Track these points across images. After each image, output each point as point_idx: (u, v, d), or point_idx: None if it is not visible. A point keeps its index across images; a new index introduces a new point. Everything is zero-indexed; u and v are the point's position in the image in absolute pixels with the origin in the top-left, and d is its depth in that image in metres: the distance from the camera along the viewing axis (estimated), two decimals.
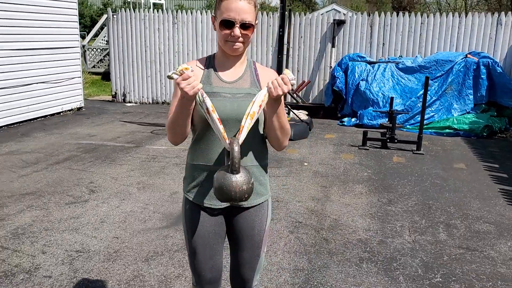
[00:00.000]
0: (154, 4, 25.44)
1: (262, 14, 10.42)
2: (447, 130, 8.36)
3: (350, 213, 4.60)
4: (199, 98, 1.84)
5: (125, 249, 3.71)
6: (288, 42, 10.28)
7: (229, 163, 1.82)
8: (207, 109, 1.84)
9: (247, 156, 2.04)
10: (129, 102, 11.30)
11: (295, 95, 10.30)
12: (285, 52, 10.27)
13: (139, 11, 10.85)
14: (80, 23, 32.40)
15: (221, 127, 1.86)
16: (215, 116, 1.85)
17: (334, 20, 9.95)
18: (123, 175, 5.58)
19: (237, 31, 1.90)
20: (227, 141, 1.86)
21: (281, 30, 7.39)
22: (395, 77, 9.13)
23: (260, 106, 1.88)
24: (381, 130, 8.11)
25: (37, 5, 8.39)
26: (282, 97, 1.90)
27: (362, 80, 9.24)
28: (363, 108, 9.14)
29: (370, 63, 9.48)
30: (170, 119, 1.96)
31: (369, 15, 10.01)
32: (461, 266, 3.59)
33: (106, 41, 18.65)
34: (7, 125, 8.08)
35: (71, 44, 9.52)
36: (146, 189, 5.11)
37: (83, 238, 3.87)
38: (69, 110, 9.72)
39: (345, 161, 6.47)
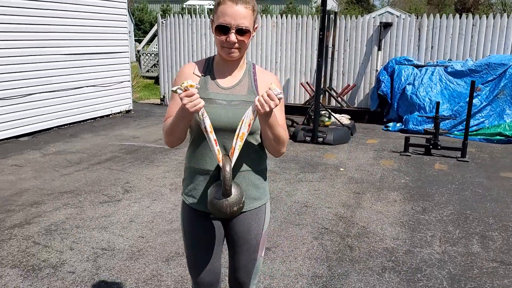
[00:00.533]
0: (211, 9, 25.96)
1: (307, 16, 10.37)
2: (498, 137, 7.95)
3: (380, 220, 4.47)
4: (198, 116, 1.85)
5: (148, 248, 3.79)
6: (333, 45, 10.16)
7: (222, 184, 1.86)
8: (205, 128, 1.86)
9: (243, 161, 2.03)
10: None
11: (339, 98, 10.16)
12: (329, 56, 10.18)
13: (190, 16, 11.08)
14: (139, 29, 33.59)
15: (216, 148, 1.87)
16: (212, 136, 1.87)
17: (380, 22, 9.74)
18: (158, 176, 5.72)
19: (232, 36, 1.88)
20: (220, 163, 1.87)
21: (321, 33, 7.31)
22: (443, 81, 8.80)
23: (249, 125, 1.87)
24: (427, 136, 7.82)
25: (88, 11, 8.77)
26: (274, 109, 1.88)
27: (408, 84, 8.97)
28: (409, 113, 8.87)
29: (417, 66, 9.19)
30: (168, 125, 1.97)
31: (418, 17, 9.71)
32: (492, 280, 3.40)
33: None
34: (58, 126, 8.49)
35: (121, 49, 9.87)
36: (178, 190, 5.20)
37: (110, 237, 4.00)
38: (118, 113, 10.08)
39: (384, 167, 6.30)
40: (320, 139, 7.61)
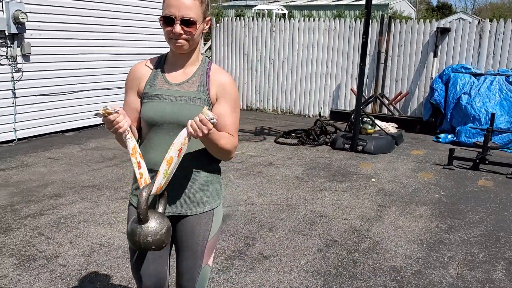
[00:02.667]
0: (284, 14, 26.08)
1: (361, 20, 10.01)
2: None
3: (397, 236, 4.15)
4: (123, 138, 1.79)
5: None
6: (386, 51, 9.75)
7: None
8: (129, 150, 1.79)
9: (189, 162, 1.92)
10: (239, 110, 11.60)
11: (391, 106, 9.72)
12: (382, 61, 9.78)
13: (244, 20, 11.11)
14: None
15: (138, 171, 1.79)
16: (134, 159, 1.79)
17: (437, 28, 9.19)
18: None
19: (177, 28, 1.80)
20: (141, 186, 1.76)
21: (364, 37, 6.99)
22: (504, 91, 8.13)
23: (180, 150, 1.75)
24: (479, 150, 7.25)
25: (139, 13, 9.00)
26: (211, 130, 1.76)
27: (464, 93, 8.39)
28: (462, 124, 8.28)
29: (475, 75, 8.56)
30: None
31: (479, 23, 9.06)
32: None
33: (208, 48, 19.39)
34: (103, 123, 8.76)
35: (165, 51, 10.03)
36: None
37: (112, 233, 4.01)
38: None
39: (420, 180, 5.89)
40: (360, 148, 7.28)
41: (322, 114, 10.63)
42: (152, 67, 1.98)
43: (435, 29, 9.27)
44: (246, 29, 11.11)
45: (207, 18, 1.92)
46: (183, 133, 1.74)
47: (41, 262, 3.46)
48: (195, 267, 2.04)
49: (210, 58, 17.11)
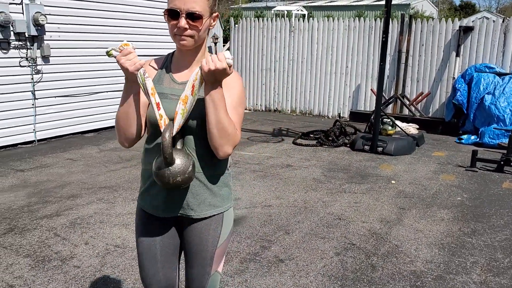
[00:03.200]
0: (304, 15, 25.96)
1: (381, 20, 9.85)
2: None
3: (417, 240, 4.03)
4: (141, 76, 1.72)
5: None
6: (407, 51, 9.57)
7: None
8: (147, 90, 1.73)
9: (198, 163, 1.86)
10: (244, 109, 11.56)
11: (412, 107, 9.54)
12: (403, 61, 9.61)
13: (262, 20, 11.05)
14: None
15: (157, 112, 1.73)
16: (153, 100, 1.73)
17: (460, 27, 8.99)
18: None
19: (182, 21, 1.72)
20: (162, 128, 1.73)
21: (384, 36, 6.86)
22: None
23: (193, 86, 1.70)
24: (504, 152, 7.05)
25: (155, 13, 9.02)
26: (220, 88, 1.69)
27: (487, 93, 8.17)
28: (486, 125, 8.07)
29: (499, 74, 8.34)
30: (116, 115, 1.87)
31: (503, 21, 8.83)
32: None
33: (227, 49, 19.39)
34: None
35: None
36: None
37: (128, 234, 3.98)
38: None
39: (442, 183, 5.74)
40: (380, 149, 7.14)
41: (341, 115, 10.50)
42: (156, 67, 1.92)
43: (457, 28, 9.06)
44: (265, 30, 11.05)
45: (214, 14, 1.84)
46: (196, 70, 1.70)
47: (55, 263, 3.45)
48: (204, 274, 1.97)
49: None
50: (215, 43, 20.49)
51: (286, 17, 25.41)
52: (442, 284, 3.30)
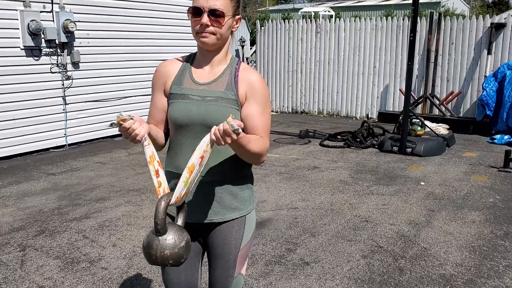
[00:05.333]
0: (331, 16, 25.83)
1: (409, 19, 9.69)
2: None
3: (447, 243, 3.93)
4: (141, 144, 1.72)
5: None
6: (437, 49, 9.39)
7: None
8: (146, 158, 1.72)
9: (219, 167, 1.86)
10: (271, 111, 11.56)
11: (442, 107, 9.34)
12: (432, 60, 9.43)
13: (288, 22, 11.04)
14: None
15: (156, 180, 1.70)
16: (152, 168, 1.70)
17: (491, 24, 8.76)
18: None
19: (205, 18, 1.74)
20: (159, 196, 1.67)
21: (411, 35, 6.74)
22: None
23: (202, 157, 1.64)
24: None
25: (182, 18, 9.11)
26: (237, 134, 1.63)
27: None
28: None
29: None
30: None
31: None
32: None
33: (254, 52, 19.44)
34: None
35: None
36: None
37: None
38: None
39: (473, 184, 5.60)
40: (409, 150, 7.02)
41: (369, 116, 10.38)
42: (178, 66, 1.92)
43: (488, 25, 8.83)
44: (291, 32, 11.02)
45: (237, 16, 1.85)
46: (206, 139, 1.64)
47: (84, 265, 3.51)
48: (227, 277, 1.97)
49: (254, 61, 17.13)
50: (242, 46, 20.56)
51: (313, 18, 25.36)
52: None
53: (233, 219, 1.92)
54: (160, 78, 1.93)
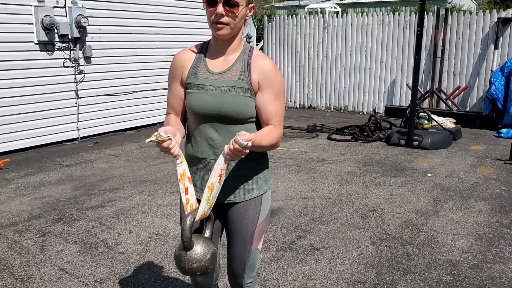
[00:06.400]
0: (337, 12, 25.85)
1: (416, 14, 9.75)
2: None
3: (454, 231, 4.03)
4: (175, 161, 1.84)
5: None
6: (443, 44, 9.45)
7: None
8: (177, 175, 1.85)
9: None
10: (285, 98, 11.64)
11: (448, 101, 9.41)
12: (438, 55, 9.49)
13: (295, 17, 11.12)
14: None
15: (184, 197, 1.83)
16: (182, 185, 1.83)
17: (498, 18, 8.81)
18: None
19: (220, 8, 1.81)
20: (186, 213, 1.81)
21: (419, 29, 6.82)
22: None
23: (220, 175, 1.77)
24: None
25: (193, 14, 9.23)
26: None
27: None
28: None
29: None
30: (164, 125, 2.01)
31: None
32: None
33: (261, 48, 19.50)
34: (162, 122, 9.06)
35: None
36: None
37: (168, 224, 4.15)
38: None
39: (479, 175, 5.68)
40: (416, 143, 7.10)
41: (376, 111, 10.46)
42: (193, 55, 1.99)
43: (495, 20, 8.89)
44: (298, 27, 11.11)
45: (251, 5, 1.91)
46: (221, 160, 1.75)
47: (102, 250, 3.64)
48: (245, 251, 2.08)
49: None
50: (249, 42, 20.65)
51: (320, 14, 25.40)
52: (478, 273, 3.31)
53: (250, 199, 2.04)
54: (176, 68, 2.01)
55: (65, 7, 7.02)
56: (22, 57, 6.63)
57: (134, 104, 8.39)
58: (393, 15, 10.09)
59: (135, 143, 7.45)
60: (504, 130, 8.13)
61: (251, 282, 2.16)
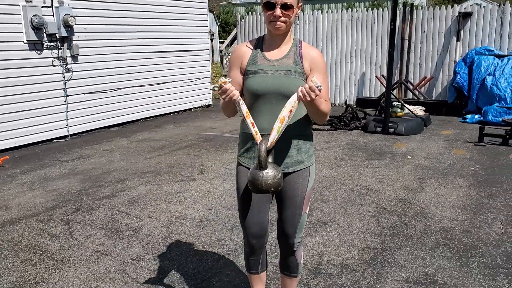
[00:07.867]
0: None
1: (383, 9, 10.33)
2: None
3: (441, 203, 4.52)
4: (237, 105, 2.18)
5: (215, 219, 4.19)
6: (410, 37, 10.06)
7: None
8: (243, 114, 2.18)
9: (292, 126, 2.32)
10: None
11: (416, 91, 10.04)
12: (405, 48, 10.09)
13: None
14: (225, 31, 34.91)
15: (253, 129, 2.18)
16: (249, 120, 2.18)
17: (459, 13, 9.49)
18: (230, 161, 6.14)
19: (277, 11, 2.17)
20: (258, 142, 2.16)
21: (392, 23, 7.34)
22: None
23: (291, 111, 2.12)
24: (507, 128, 7.56)
25: (173, 12, 9.46)
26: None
27: (488, 75, 8.68)
28: (488, 105, 8.58)
29: (499, 56, 8.85)
30: (221, 104, 2.37)
31: (500, 6, 9.34)
32: None
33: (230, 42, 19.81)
34: (145, 118, 9.26)
35: (202, 47, 10.50)
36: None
37: (183, 208, 4.45)
38: (199, 107, 10.71)
39: (454, 156, 6.25)
40: (391, 130, 7.64)
41: (347, 102, 10.98)
42: (252, 48, 2.36)
43: (457, 14, 9.56)
44: None
45: (300, 4, 2.31)
46: (294, 97, 2.12)
47: (128, 233, 3.91)
48: (296, 215, 2.44)
49: (228, 53, 17.43)
50: (211, 40, 20.87)
51: None
52: (469, 236, 3.79)
53: (301, 169, 2.40)
54: (237, 58, 2.37)
55: (52, 7, 7.12)
56: (12, 56, 6.71)
57: (119, 101, 8.55)
58: (361, 12, 10.63)
59: (125, 138, 7.64)
60: (469, 116, 8.80)
61: (299, 242, 2.52)
